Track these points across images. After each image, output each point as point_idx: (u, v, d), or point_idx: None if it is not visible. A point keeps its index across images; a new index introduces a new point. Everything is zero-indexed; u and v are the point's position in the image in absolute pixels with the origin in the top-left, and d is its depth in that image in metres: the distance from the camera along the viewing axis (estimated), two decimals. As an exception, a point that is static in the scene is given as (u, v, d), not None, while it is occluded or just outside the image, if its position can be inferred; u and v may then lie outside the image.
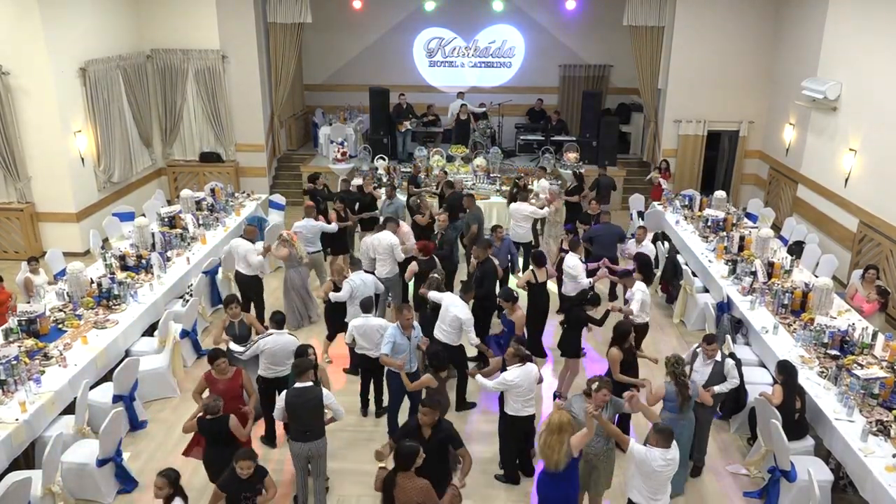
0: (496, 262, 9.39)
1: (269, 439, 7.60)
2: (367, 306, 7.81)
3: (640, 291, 8.36)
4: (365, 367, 7.95)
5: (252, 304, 9.81)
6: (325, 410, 6.32)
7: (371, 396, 8.21)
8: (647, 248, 10.05)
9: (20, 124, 11.98)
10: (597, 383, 6.00)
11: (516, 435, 6.89)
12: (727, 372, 7.05)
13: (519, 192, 11.85)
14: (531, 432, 6.98)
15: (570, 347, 8.20)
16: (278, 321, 7.36)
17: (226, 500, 5.37)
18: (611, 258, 10.06)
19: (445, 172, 13.59)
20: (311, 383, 6.24)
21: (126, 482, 6.90)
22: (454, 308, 7.90)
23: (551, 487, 5.68)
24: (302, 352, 6.70)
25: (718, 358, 7.08)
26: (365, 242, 9.93)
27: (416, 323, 7.60)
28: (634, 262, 9.16)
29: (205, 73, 15.10)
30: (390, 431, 7.40)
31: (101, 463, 6.59)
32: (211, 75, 15.10)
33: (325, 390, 6.31)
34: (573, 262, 9.14)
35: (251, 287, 9.77)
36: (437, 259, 9.41)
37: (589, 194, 12.74)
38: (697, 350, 7.30)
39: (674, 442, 5.52)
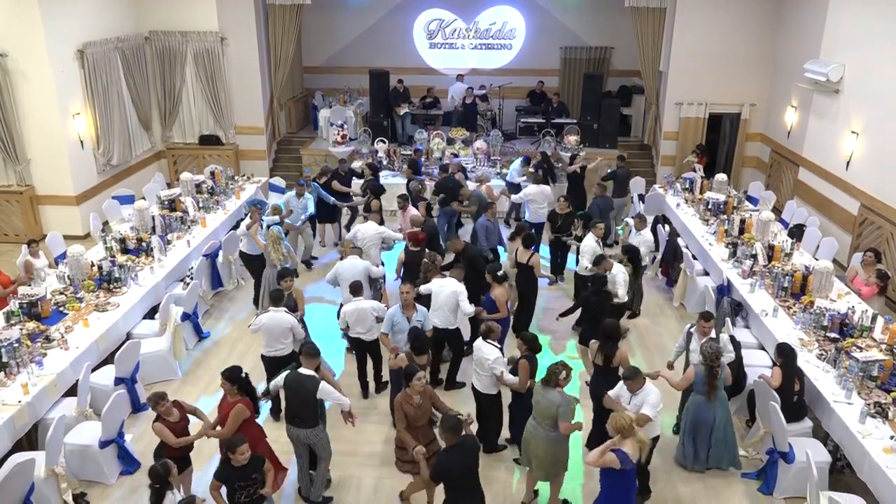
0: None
1: (276, 412, 7.70)
2: (356, 289, 7.84)
3: (620, 273, 8.54)
4: (360, 349, 8.00)
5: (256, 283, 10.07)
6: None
7: (370, 378, 8.28)
8: (646, 236, 10.02)
9: (19, 107, 11.94)
10: (564, 372, 6.00)
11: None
12: (723, 347, 7.06)
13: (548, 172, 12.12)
14: (484, 407, 7.11)
15: (590, 336, 8.16)
16: (275, 298, 7.44)
17: (225, 489, 5.40)
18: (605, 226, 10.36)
19: (455, 155, 13.55)
20: (312, 372, 6.20)
21: (129, 463, 6.95)
22: (446, 286, 8.01)
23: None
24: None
25: (713, 335, 7.14)
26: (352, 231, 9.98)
27: (422, 307, 7.63)
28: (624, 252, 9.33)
29: (204, 56, 15.01)
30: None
31: (104, 444, 6.64)
32: (210, 58, 15.01)
33: (324, 385, 6.14)
34: (588, 243, 9.29)
35: (251, 265, 10.08)
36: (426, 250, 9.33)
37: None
38: (692, 330, 7.38)
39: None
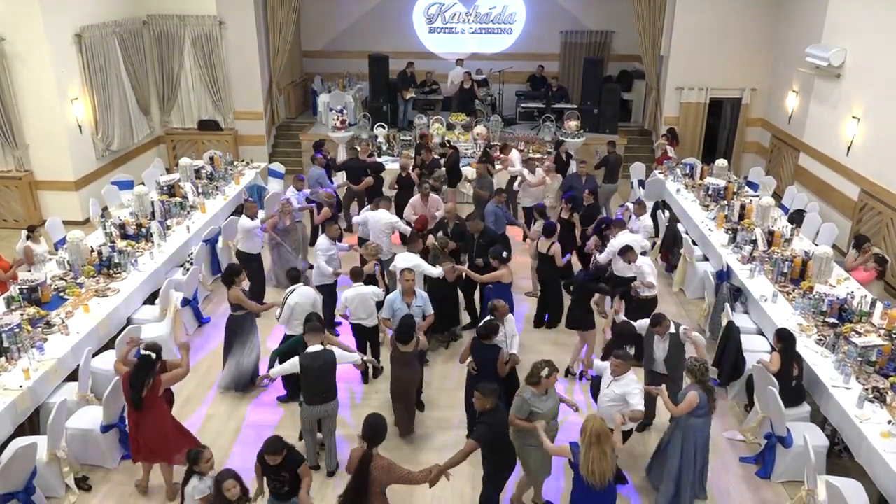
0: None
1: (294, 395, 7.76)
2: (357, 274, 7.89)
3: (647, 265, 8.29)
4: (360, 335, 8.05)
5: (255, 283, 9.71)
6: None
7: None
8: (645, 221, 10.00)
9: (16, 91, 11.87)
10: (547, 369, 5.78)
11: None
12: (684, 338, 6.83)
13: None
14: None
15: (579, 321, 8.18)
16: (293, 277, 7.69)
17: None
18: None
19: (451, 144, 13.47)
20: (321, 346, 6.36)
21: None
22: (402, 261, 8.17)
23: (595, 499, 5.10)
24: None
25: (672, 330, 6.88)
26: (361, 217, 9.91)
27: (422, 292, 7.64)
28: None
29: (202, 40, 14.91)
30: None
31: (105, 429, 6.66)
32: (208, 41, 14.92)
33: (338, 352, 6.45)
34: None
35: (249, 265, 9.47)
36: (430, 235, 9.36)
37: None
38: (652, 330, 7.06)
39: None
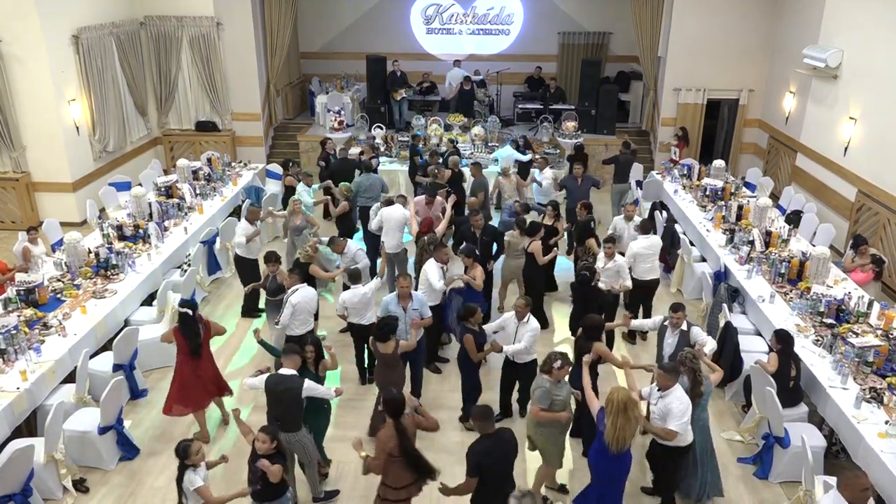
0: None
1: None
2: (355, 276, 7.86)
3: (624, 264, 8.48)
4: (358, 336, 8.03)
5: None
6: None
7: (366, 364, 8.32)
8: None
9: (13, 93, 11.85)
10: (559, 361, 5.86)
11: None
12: (694, 339, 6.79)
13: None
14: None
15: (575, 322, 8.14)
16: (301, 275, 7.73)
17: None
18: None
19: (452, 142, 13.46)
20: (294, 372, 6.00)
21: (128, 449, 6.98)
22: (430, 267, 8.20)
23: (612, 463, 5.43)
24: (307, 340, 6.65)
25: (684, 327, 6.89)
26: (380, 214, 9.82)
27: (418, 295, 7.64)
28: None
29: (199, 41, 14.90)
30: None
31: (103, 431, 6.66)
32: (205, 42, 14.91)
33: (308, 383, 5.95)
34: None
35: (244, 269, 9.43)
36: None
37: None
38: (665, 323, 7.09)
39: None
